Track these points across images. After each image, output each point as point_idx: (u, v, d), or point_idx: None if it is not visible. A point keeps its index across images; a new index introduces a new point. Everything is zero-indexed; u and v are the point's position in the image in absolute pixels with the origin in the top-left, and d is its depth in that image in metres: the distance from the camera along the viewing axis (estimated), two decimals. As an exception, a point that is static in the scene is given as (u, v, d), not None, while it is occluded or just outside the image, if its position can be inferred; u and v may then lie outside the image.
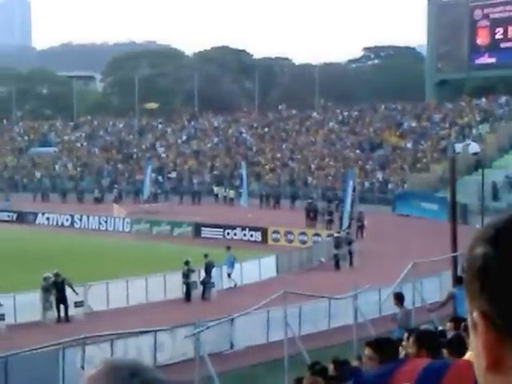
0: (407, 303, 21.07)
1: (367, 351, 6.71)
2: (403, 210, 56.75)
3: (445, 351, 6.75)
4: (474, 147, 62.40)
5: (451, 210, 28.05)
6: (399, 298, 19.84)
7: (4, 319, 25.99)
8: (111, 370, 1.85)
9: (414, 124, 74.25)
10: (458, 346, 6.59)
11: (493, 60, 75.51)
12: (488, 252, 1.28)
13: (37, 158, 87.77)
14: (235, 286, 33.78)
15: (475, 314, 1.29)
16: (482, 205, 46.41)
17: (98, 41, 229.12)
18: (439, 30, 78.61)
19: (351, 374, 5.82)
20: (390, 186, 63.65)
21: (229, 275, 34.07)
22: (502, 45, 74.75)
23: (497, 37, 75.21)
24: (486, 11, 75.69)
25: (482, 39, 76.28)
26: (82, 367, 19.73)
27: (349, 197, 46.64)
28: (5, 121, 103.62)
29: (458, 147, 58.67)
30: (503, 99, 74.00)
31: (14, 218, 59.24)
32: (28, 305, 27.07)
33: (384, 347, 6.75)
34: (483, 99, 75.30)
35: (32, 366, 19.67)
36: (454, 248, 26.60)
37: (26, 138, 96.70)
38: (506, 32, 74.44)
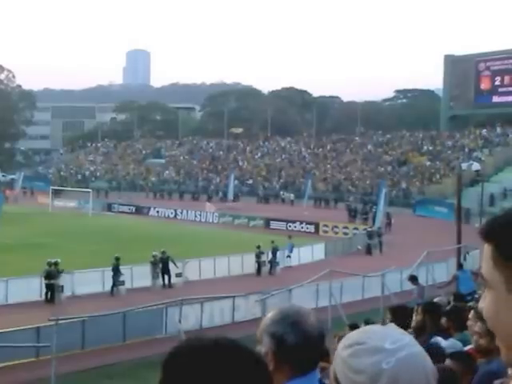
0: (422, 281, 20.83)
1: (389, 315, 6.69)
2: (421, 212, 55.93)
3: (443, 319, 6.63)
4: (476, 166, 61.86)
5: (457, 212, 27.61)
6: (413, 279, 19.69)
7: (124, 284, 26.31)
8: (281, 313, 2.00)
9: (431, 148, 73.18)
10: (455, 315, 6.47)
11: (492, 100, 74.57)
12: None
13: (151, 167, 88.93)
14: (290, 266, 33.53)
15: None
16: (480, 209, 45.66)
17: (198, 81, 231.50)
18: (452, 77, 77.74)
19: None
20: (411, 193, 62.93)
21: (288, 257, 34.06)
22: (500, 89, 73.93)
23: (496, 83, 74.25)
24: (487, 64, 74.75)
25: (485, 85, 75.20)
26: (179, 321, 19.96)
27: (381, 201, 46.15)
28: (129, 140, 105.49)
29: (464, 166, 58.37)
30: (499, 130, 72.75)
31: (133, 211, 60.01)
32: (141, 274, 27.32)
33: (399, 311, 6.70)
34: (484, 130, 74.02)
35: (143, 318, 19.97)
36: (459, 241, 26.19)
37: (143, 152, 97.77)
38: (502, 80, 73.67)
